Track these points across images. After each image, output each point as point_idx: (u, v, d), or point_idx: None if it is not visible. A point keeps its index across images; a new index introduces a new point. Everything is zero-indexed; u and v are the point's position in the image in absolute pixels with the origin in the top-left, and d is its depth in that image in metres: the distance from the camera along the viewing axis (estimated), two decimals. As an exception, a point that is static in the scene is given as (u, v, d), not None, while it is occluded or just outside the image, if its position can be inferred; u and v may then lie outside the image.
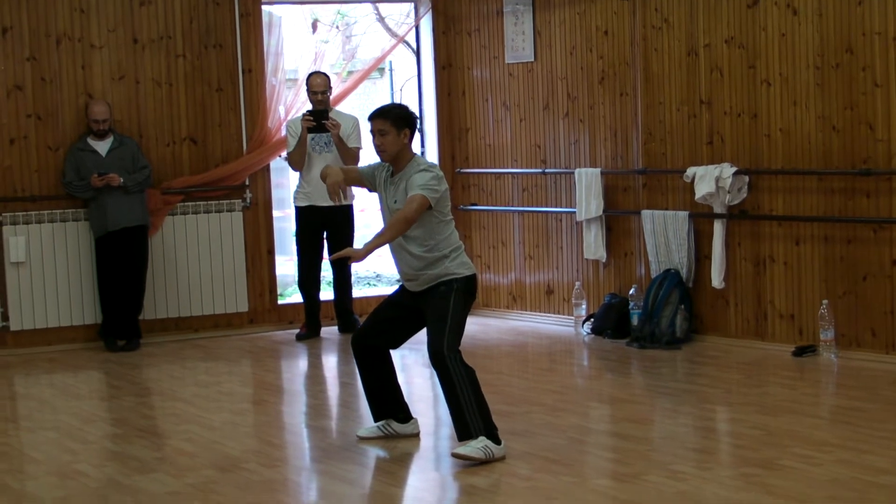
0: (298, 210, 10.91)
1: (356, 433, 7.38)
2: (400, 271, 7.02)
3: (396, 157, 6.91)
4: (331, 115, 10.66)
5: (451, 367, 6.70)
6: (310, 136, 10.65)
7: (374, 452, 7.08)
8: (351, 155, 10.65)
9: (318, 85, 10.75)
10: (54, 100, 10.74)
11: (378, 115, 6.93)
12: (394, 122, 6.88)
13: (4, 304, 10.67)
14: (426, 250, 6.84)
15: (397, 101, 14.54)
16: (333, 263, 10.96)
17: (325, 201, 10.66)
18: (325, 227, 10.90)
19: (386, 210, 6.99)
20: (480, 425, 6.70)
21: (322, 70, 11.19)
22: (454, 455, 6.67)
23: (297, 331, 11.15)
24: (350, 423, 7.93)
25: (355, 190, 10.89)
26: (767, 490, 6.00)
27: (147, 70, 11.02)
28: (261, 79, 11.32)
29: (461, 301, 6.85)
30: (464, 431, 6.73)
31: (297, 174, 10.92)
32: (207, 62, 11.20)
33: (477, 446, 6.65)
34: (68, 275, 10.78)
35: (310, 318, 11.05)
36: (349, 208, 10.93)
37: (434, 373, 6.80)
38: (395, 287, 7.29)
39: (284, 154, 11.11)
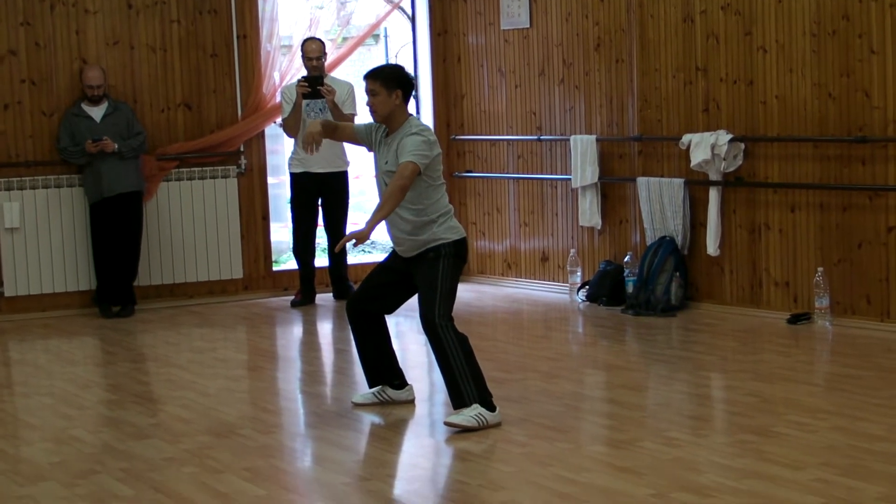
0: (293, 176, 10.89)
1: (351, 399, 7.38)
2: (391, 236, 7.01)
3: (388, 118, 6.89)
4: (326, 81, 10.62)
5: (443, 335, 6.70)
6: (305, 102, 10.62)
7: (368, 419, 7.09)
8: (346, 121, 10.62)
9: (312, 51, 10.72)
10: (48, 65, 10.70)
11: (369, 76, 6.91)
12: (384, 82, 6.85)
13: (-1, 270, 10.67)
14: (414, 214, 6.82)
15: (393, 67, 14.48)
16: (328, 231, 10.95)
17: (320, 167, 10.66)
18: (320, 194, 10.88)
19: (378, 170, 6.98)
20: (474, 393, 6.71)
21: (317, 36, 11.15)
22: (447, 423, 6.68)
23: (291, 297, 11.14)
24: (345, 389, 7.94)
25: (350, 155, 10.90)
26: (762, 456, 6.01)
27: (141, 35, 10.97)
28: (255, 45, 11.29)
29: (450, 267, 6.83)
30: (457, 399, 6.73)
31: (293, 141, 10.89)
32: (202, 27, 11.16)
33: (470, 414, 6.66)
34: (63, 241, 10.77)
35: (304, 284, 11.04)
36: (344, 174, 10.93)
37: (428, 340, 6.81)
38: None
39: (279, 120, 11.09)
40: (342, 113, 10.57)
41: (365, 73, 6.96)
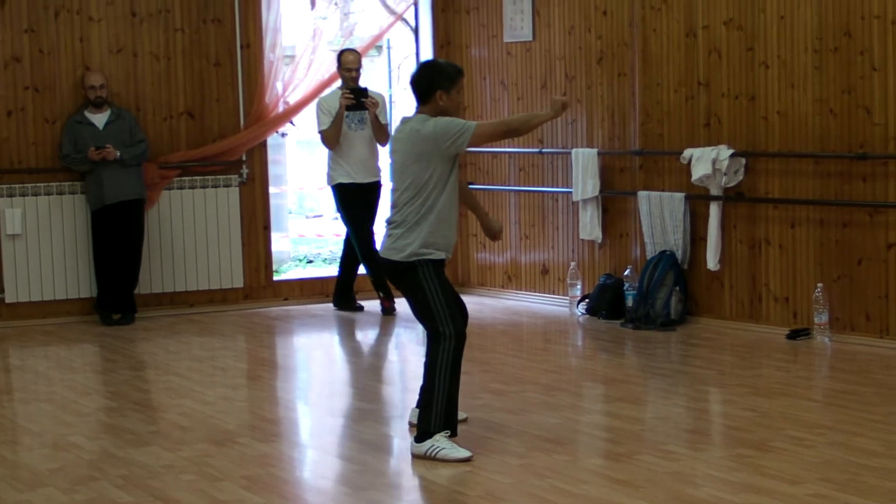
0: (340, 187, 10.76)
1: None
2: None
3: None
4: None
5: (442, 348, 6.59)
6: (345, 113, 10.61)
7: (367, 429, 7.09)
8: (384, 132, 10.67)
9: (351, 62, 10.75)
10: (52, 72, 10.73)
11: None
12: None
13: (0, 276, 10.67)
14: (399, 201, 6.52)
15: (394, 79, 14.51)
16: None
17: (365, 178, 10.69)
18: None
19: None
20: (441, 422, 6.44)
21: (353, 47, 11.20)
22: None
23: (380, 307, 10.95)
24: (344, 398, 7.95)
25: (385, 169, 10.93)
26: (759, 471, 6.02)
27: (145, 43, 11.00)
28: (259, 54, 11.31)
29: (430, 281, 6.56)
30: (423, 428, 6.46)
31: (327, 152, 10.81)
32: (206, 36, 11.19)
33: (425, 447, 6.42)
34: (64, 248, 10.78)
35: (382, 288, 10.87)
36: (380, 184, 10.86)
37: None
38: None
39: (282, 130, 11.11)
40: (380, 124, 10.63)
41: (460, 70, 6.65)
